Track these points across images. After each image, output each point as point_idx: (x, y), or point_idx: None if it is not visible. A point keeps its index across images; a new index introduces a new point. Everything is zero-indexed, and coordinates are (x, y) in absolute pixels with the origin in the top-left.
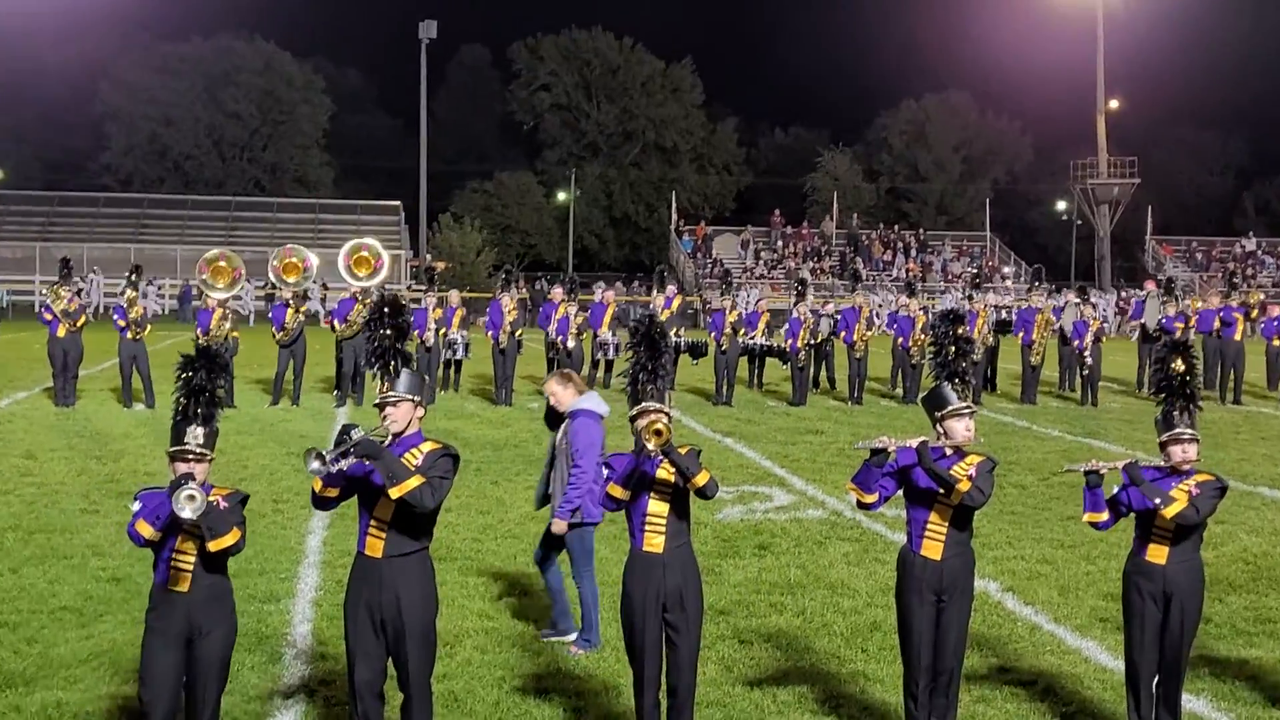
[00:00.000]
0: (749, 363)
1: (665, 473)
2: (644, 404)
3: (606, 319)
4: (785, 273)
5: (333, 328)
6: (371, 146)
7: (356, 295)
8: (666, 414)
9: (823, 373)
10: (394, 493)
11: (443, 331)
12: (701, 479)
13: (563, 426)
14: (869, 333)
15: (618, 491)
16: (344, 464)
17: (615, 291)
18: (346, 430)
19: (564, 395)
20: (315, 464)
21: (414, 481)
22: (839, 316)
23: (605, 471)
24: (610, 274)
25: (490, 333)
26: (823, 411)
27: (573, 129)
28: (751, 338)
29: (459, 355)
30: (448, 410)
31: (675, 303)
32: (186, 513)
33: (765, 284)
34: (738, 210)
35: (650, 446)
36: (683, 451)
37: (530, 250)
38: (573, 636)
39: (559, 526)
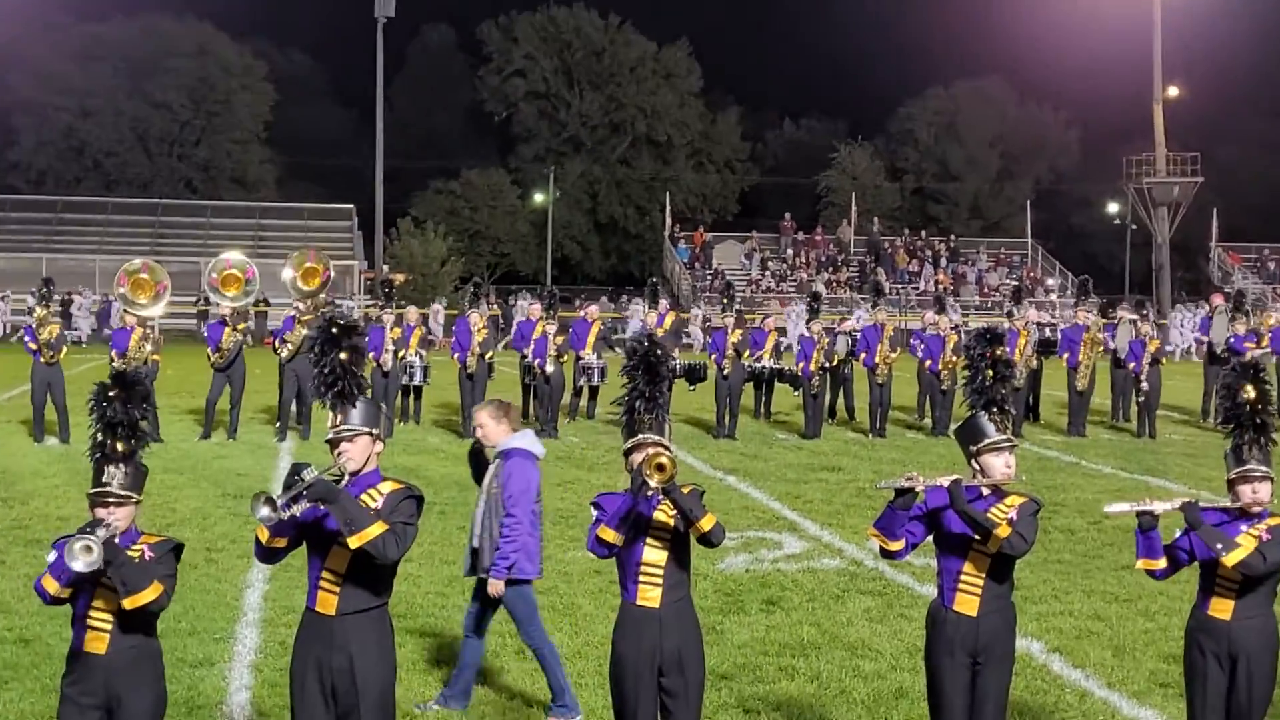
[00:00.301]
0: (755, 389)
1: (664, 515)
2: (642, 436)
3: (590, 339)
4: (796, 285)
5: (274, 349)
6: (320, 141)
7: (297, 313)
8: (668, 447)
9: (840, 401)
10: (353, 542)
11: (401, 354)
12: (707, 523)
13: (493, 468)
14: (892, 355)
15: (610, 535)
16: (296, 509)
17: (600, 307)
18: (297, 470)
19: (495, 431)
20: (264, 510)
21: (375, 529)
22: (858, 336)
23: (594, 512)
24: (595, 287)
25: (457, 355)
26: (840, 445)
27: (551, 120)
28: (758, 360)
29: (417, 380)
30: (407, 444)
31: (668, 320)
32: (79, 565)
33: (773, 298)
34: (741, 214)
35: (652, 483)
36: (685, 491)
37: (503, 260)
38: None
39: (495, 587)
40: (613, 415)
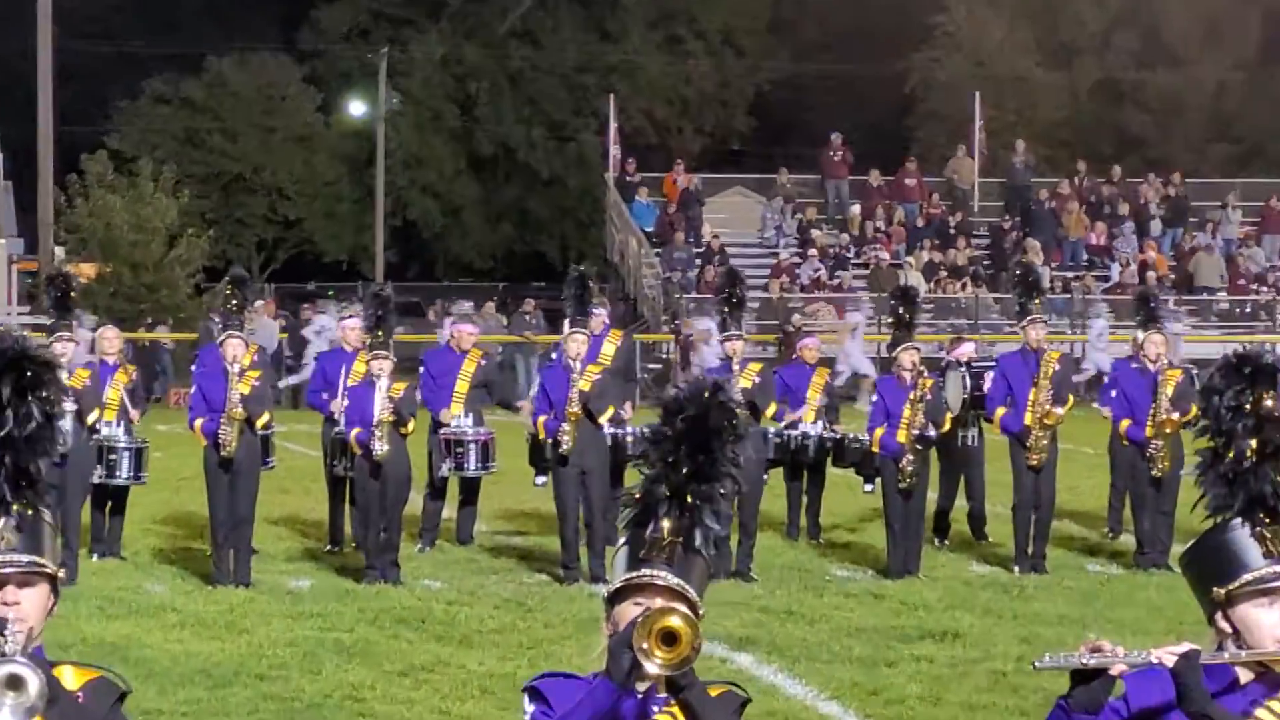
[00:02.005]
0: (787, 478)
1: None
2: (645, 572)
3: (461, 386)
4: (867, 275)
5: None
6: None
7: None
8: (689, 601)
9: (952, 491)
10: None
11: (91, 419)
12: None
13: None
14: (1057, 409)
15: None
16: None
17: (480, 323)
18: None
19: None
20: None
21: None
22: (982, 366)
23: (529, 709)
24: (469, 284)
25: (200, 422)
26: (956, 589)
27: None
28: (792, 426)
29: (121, 476)
30: (105, 593)
31: (608, 344)
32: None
33: (821, 301)
34: (757, 138)
35: (652, 666)
36: (713, 694)
37: (291, 234)
38: None
39: None
40: (521, 534)
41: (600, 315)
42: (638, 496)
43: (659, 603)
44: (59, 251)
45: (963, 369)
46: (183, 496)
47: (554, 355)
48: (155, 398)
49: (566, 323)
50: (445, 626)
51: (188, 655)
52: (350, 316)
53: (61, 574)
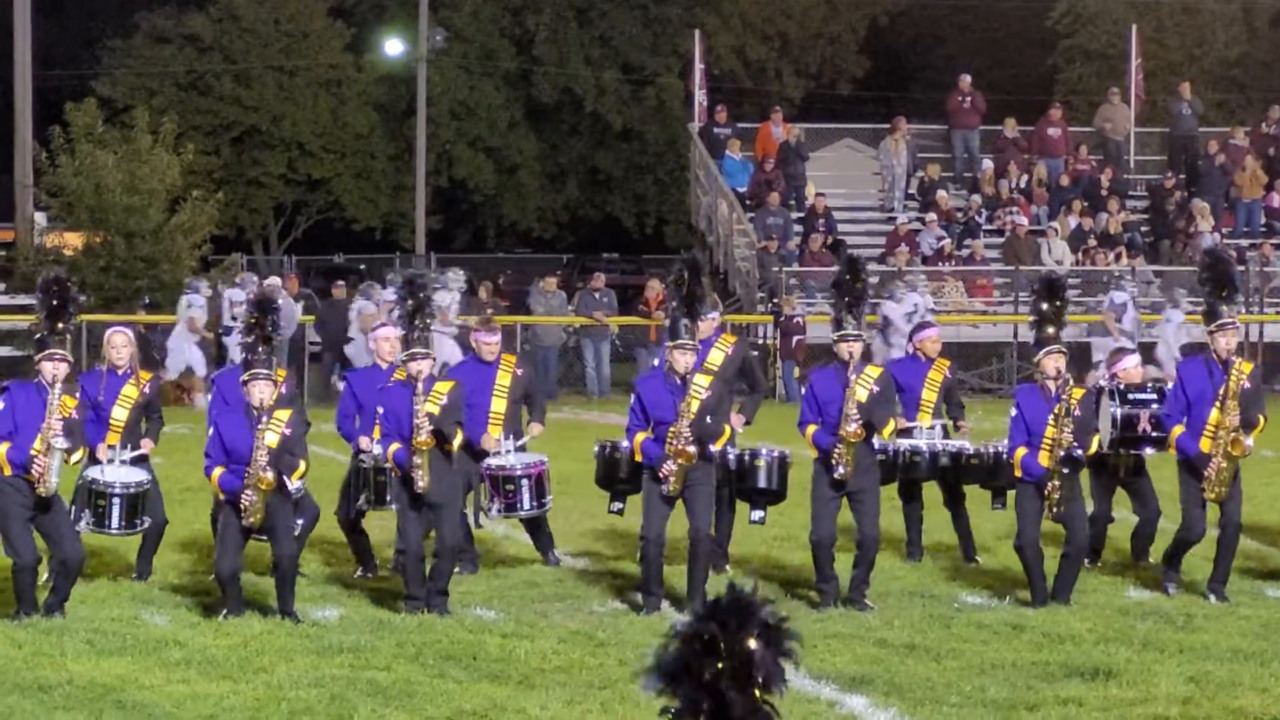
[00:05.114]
0: (904, 499)
1: None
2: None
3: (498, 406)
4: (1003, 244)
5: None
6: None
7: None
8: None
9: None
10: None
11: (74, 460)
12: None
13: None
14: (1243, 437)
15: None
16: None
17: (550, 300)
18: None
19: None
20: None
21: None
22: (1141, 399)
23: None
24: (528, 255)
25: (211, 466)
26: (1107, 619)
27: None
28: (907, 432)
29: (112, 526)
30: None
31: (716, 353)
32: None
33: (948, 276)
34: (874, 80)
35: None
36: None
37: (312, 194)
38: None
39: None
40: (590, 555)
41: (713, 318)
42: None
43: None
44: (40, 218)
45: (1115, 402)
46: (188, 510)
47: (655, 363)
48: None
49: (669, 325)
50: (501, 664)
51: (194, 699)
52: (382, 325)
53: None
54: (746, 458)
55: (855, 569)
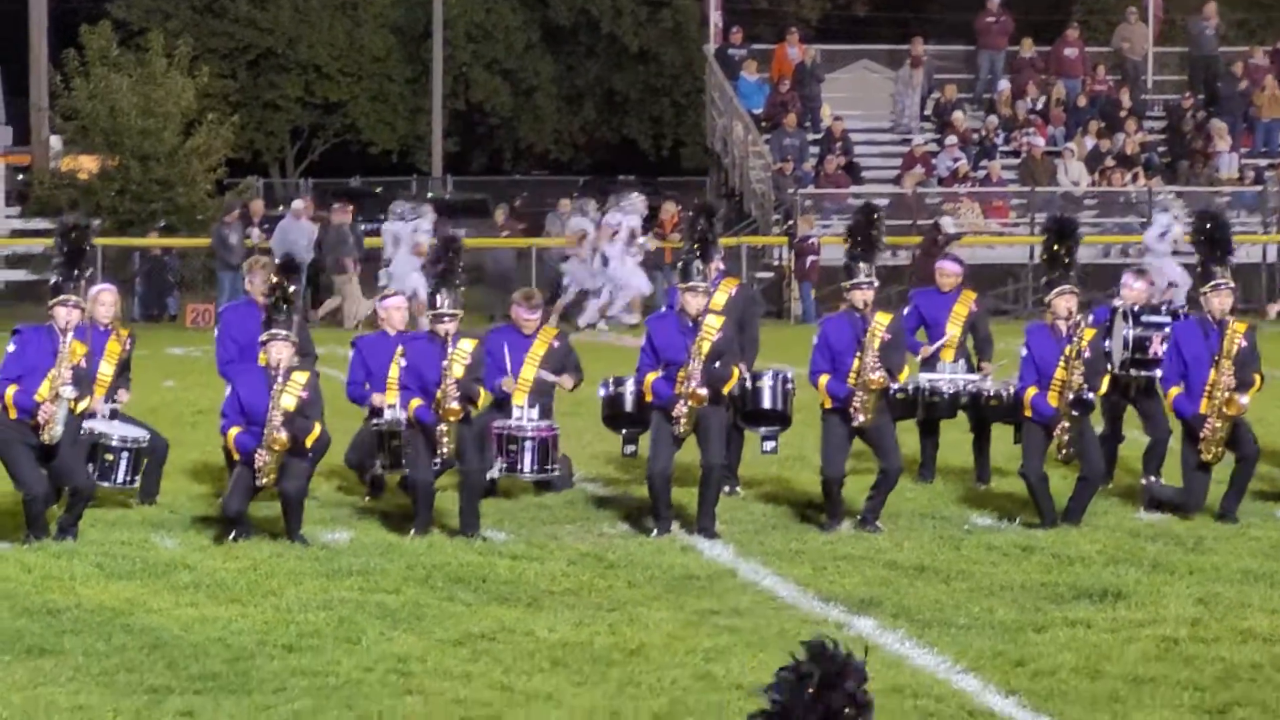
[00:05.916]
0: (923, 433)
1: None
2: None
3: (527, 372)
4: (1019, 165)
5: None
6: None
7: None
8: None
9: (1121, 421)
10: None
11: (82, 407)
12: None
13: None
14: (1239, 395)
15: None
16: None
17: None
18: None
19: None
20: None
21: None
22: (1153, 321)
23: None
24: (545, 178)
25: (228, 425)
26: (1117, 541)
27: None
28: (929, 365)
29: (118, 479)
30: None
31: (720, 294)
32: None
33: (964, 201)
34: (889, 0)
35: None
36: None
37: (328, 117)
38: None
39: None
40: (601, 479)
41: (715, 261)
42: None
43: None
44: (55, 142)
45: (1128, 324)
46: (199, 433)
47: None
48: (171, 315)
49: (680, 269)
50: (510, 586)
51: (202, 622)
52: (392, 294)
53: None
54: (749, 380)
55: (874, 492)
